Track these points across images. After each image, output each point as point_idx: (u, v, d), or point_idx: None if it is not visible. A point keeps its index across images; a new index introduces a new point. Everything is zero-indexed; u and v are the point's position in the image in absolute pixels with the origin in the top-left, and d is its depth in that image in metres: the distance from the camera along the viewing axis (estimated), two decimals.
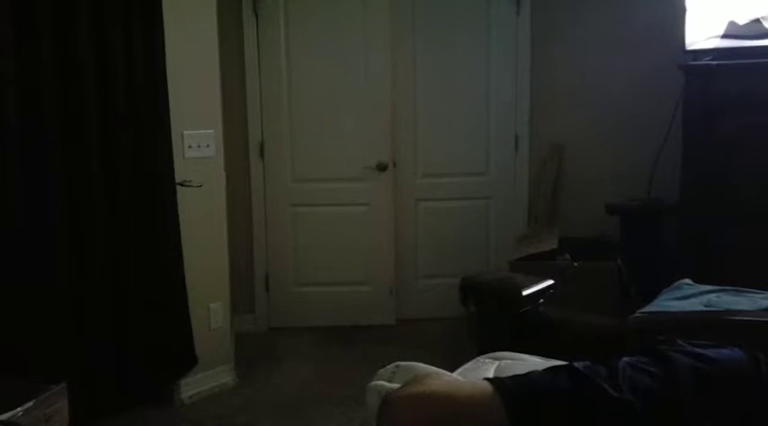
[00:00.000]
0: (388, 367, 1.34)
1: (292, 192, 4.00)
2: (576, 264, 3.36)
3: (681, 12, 3.22)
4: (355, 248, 4.02)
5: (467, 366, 1.59)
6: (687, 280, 2.35)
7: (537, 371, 1.07)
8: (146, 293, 2.80)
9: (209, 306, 3.15)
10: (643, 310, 2.11)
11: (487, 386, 1.02)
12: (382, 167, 3.88)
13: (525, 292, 1.93)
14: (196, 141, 3.01)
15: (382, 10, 3.87)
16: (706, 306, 2.05)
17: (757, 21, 3.12)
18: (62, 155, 2.49)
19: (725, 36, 3.19)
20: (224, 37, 3.30)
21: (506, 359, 1.61)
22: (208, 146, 3.06)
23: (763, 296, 2.06)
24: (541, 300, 1.97)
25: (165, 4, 2.75)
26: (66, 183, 2.51)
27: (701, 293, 2.17)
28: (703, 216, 3.15)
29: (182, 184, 2.92)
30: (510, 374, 1.13)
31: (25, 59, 2.35)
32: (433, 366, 1.31)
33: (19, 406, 1.69)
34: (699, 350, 1.08)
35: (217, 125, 3.10)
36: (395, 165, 4.11)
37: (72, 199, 2.53)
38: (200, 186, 2.99)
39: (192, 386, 3.07)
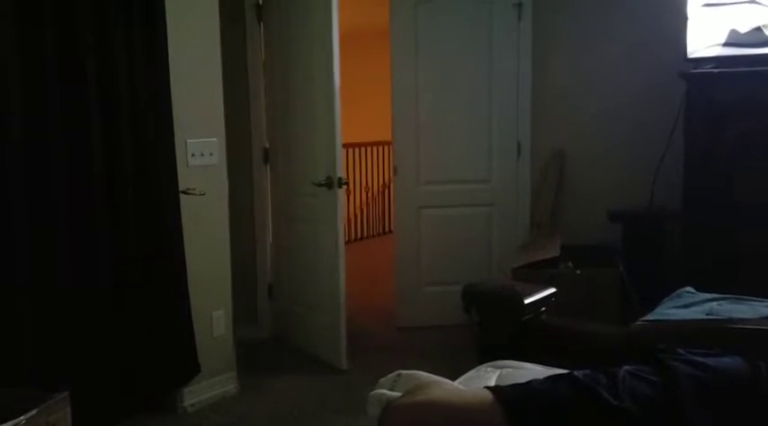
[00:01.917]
0: (389, 375, 1.34)
1: (286, 203, 3.93)
2: (578, 272, 3.36)
3: (682, 20, 3.23)
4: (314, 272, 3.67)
5: (468, 374, 1.59)
6: (689, 288, 2.35)
7: (537, 380, 1.08)
8: (149, 301, 2.80)
9: (212, 313, 3.15)
10: (645, 318, 2.10)
11: (488, 395, 1.03)
12: (329, 184, 3.42)
13: (527, 301, 1.93)
14: (199, 149, 3.02)
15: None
16: (708, 315, 2.05)
17: (758, 29, 3.13)
18: (65, 163, 2.50)
19: (726, 44, 3.20)
20: (227, 44, 3.32)
21: (508, 367, 1.61)
22: (211, 154, 3.07)
23: (765, 304, 2.06)
24: (543, 308, 1.97)
25: (168, 12, 2.77)
26: (69, 192, 2.52)
27: (703, 301, 2.17)
28: (705, 223, 3.15)
29: (185, 192, 2.93)
30: (511, 382, 1.14)
31: (29, 69, 2.37)
32: (435, 374, 1.32)
33: (22, 415, 1.69)
34: (699, 359, 1.09)
35: (220, 133, 3.12)
36: (396, 173, 4.13)
37: (75, 208, 2.54)
38: (204, 194, 3.00)
39: (194, 394, 3.07)
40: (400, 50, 4.02)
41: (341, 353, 3.47)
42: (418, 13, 4.00)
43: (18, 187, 2.36)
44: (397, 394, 1.19)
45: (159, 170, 2.81)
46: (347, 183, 3.59)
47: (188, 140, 2.97)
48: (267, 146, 3.97)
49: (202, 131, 3.05)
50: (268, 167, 3.99)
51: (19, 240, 2.36)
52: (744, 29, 3.16)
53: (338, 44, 3.32)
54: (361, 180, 7.45)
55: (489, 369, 1.62)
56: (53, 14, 2.42)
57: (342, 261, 3.44)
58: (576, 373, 1.07)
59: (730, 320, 1.91)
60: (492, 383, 1.49)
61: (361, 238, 7.44)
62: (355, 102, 9.59)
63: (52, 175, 2.46)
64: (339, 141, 3.42)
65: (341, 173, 3.43)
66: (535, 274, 3.19)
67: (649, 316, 2.15)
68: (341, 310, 3.45)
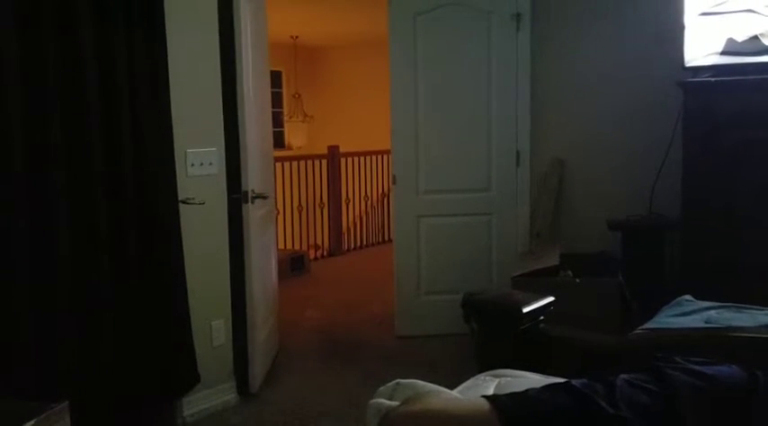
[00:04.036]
0: (388, 384, 1.34)
1: None
2: (577, 280, 3.36)
3: (679, 29, 3.25)
4: None
5: (467, 383, 1.59)
6: (688, 297, 2.35)
7: (535, 389, 1.08)
8: (148, 311, 2.80)
9: (211, 323, 3.15)
10: (644, 327, 2.10)
11: (485, 404, 1.03)
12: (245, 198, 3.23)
13: (526, 309, 1.93)
14: (199, 159, 3.03)
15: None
16: (707, 323, 2.05)
17: (756, 38, 3.14)
18: (65, 171, 2.51)
19: (724, 53, 3.20)
20: (226, 54, 3.33)
21: (506, 376, 1.61)
22: (210, 163, 3.08)
23: (763, 312, 2.06)
24: (542, 317, 1.97)
25: (167, 22, 2.78)
26: (68, 200, 2.53)
27: (702, 309, 2.17)
28: (704, 231, 3.15)
29: (184, 202, 2.94)
30: (509, 391, 1.14)
31: (30, 80, 2.38)
32: (434, 383, 1.32)
33: (20, 425, 1.69)
34: (697, 368, 1.09)
35: (219, 143, 3.13)
36: (395, 182, 4.13)
37: (75, 218, 2.54)
38: (203, 203, 3.01)
39: (194, 405, 3.06)
40: (399, 59, 4.04)
41: (248, 374, 3.29)
42: (417, 22, 4.01)
43: (20, 194, 2.36)
44: (395, 403, 1.19)
45: (159, 179, 2.82)
46: (261, 197, 3.36)
47: (188, 150, 2.98)
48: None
49: (202, 141, 3.06)
50: None
51: (18, 249, 2.37)
52: (741, 37, 3.17)
53: (248, 55, 3.17)
54: (359, 189, 7.47)
55: (488, 378, 1.61)
56: (54, 31, 2.43)
57: (248, 280, 3.27)
58: (573, 382, 1.07)
59: (729, 328, 1.91)
60: (490, 392, 1.49)
61: (360, 247, 7.45)
62: (353, 110, 9.65)
63: (51, 183, 2.46)
64: (247, 152, 3.20)
65: (247, 186, 3.21)
66: (534, 283, 3.19)
67: (648, 325, 2.15)
68: (247, 332, 3.28)
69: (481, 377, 1.60)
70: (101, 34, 2.57)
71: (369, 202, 7.62)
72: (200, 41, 3.04)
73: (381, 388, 1.34)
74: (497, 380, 1.56)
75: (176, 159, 2.88)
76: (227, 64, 3.13)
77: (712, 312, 2.13)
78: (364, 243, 7.53)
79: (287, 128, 10.03)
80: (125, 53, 2.65)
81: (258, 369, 3.34)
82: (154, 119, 2.78)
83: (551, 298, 2.01)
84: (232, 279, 3.24)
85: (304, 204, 6.86)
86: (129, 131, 2.69)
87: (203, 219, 3.05)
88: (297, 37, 9.10)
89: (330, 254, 7.03)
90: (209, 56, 3.07)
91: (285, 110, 10.04)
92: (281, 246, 6.07)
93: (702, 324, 2.05)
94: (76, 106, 2.52)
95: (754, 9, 3.15)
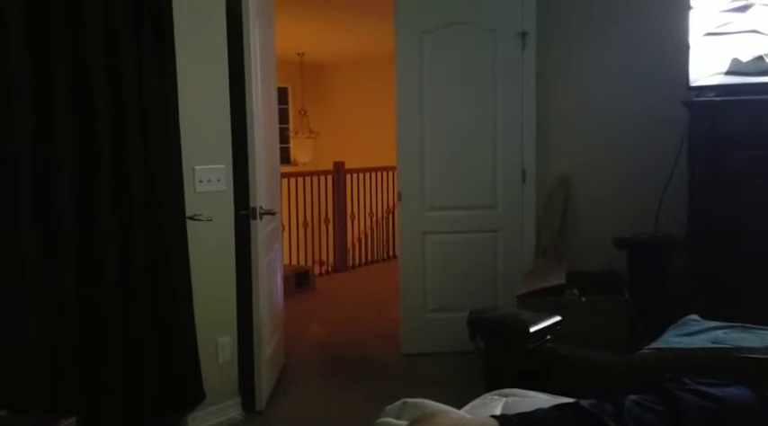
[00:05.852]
0: (395, 403, 1.34)
1: None
2: (583, 299, 3.36)
3: (684, 48, 3.27)
4: None
5: (474, 402, 1.58)
6: (694, 316, 2.34)
7: (543, 409, 1.08)
8: (155, 327, 2.81)
9: (218, 339, 3.15)
10: (650, 346, 2.10)
11: (494, 424, 1.03)
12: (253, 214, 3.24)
13: (533, 329, 1.93)
14: (207, 176, 3.05)
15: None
16: (714, 343, 2.04)
17: (760, 58, 3.16)
18: (74, 190, 2.53)
19: (728, 73, 3.22)
20: (235, 70, 3.36)
21: (514, 395, 1.60)
22: (218, 180, 3.10)
23: None
24: (549, 336, 1.97)
25: (177, 39, 2.82)
26: (78, 217, 2.54)
27: (709, 329, 2.16)
28: (711, 251, 3.15)
29: (192, 218, 2.95)
30: (517, 411, 1.14)
31: (39, 98, 2.40)
32: (441, 402, 1.32)
33: None
34: (705, 389, 1.09)
35: (227, 160, 3.15)
36: (400, 198, 4.14)
37: (82, 234, 2.56)
38: (210, 220, 3.02)
39: (199, 421, 3.06)
40: (405, 77, 4.07)
41: (254, 391, 3.29)
42: (423, 41, 4.05)
43: (26, 213, 2.38)
44: (403, 423, 1.19)
45: (167, 196, 2.83)
46: (269, 213, 3.35)
47: (196, 167, 3.00)
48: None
49: (210, 158, 3.08)
50: None
51: (28, 264, 2.38)
52: (746, 58, 3.19)
53: (257, 72, 3.18)
54: (365, 205, 7.48)
55: (495, 397, 1.61)
56: (63, 48, 2.46)
57: (255, 296, 3.25)
58: (581, 402, 1.08)
59: (737, 349, 1.90)
60: (498, 411, 1.48)
61: (365, 263, 7.45)
62: (359, 126, 9.69)
63: (60, 199, 2.48)
64: (256, 169, 3.19)
65: (255, 203, 3.20)
66: (541, 301, 3.19)
67: (655, 344, 2.14)
68: (253, 349, 3.28)
69: (489, 396, 1.59)
70: (110, 50, 2.60)
71: (374, 218, 7.63)
72: (210, 58, 3.07)
73: (388, 407, 1.34)
74: (505, 399, 1.56)
75: (184, 175, 2.90)
76: (236, 80, 3.15)
77: (719, 332, 2.12)
78: (369, 259, 7.53)
79: (293, 144, 10.08)
80: (134, 70, 2.68)
81: (264, 386, 3.33)
82: (162, 136, 2.80)
83: (558, 318, 2.01)
84: (238, 295, 3.24)
85: (309, 220, 6.88)
86: (137, 148, 2.71)
87: (211, 236, 3.06)
88: (303, 54, 9.17)
89: (335, 270, 7.04)
90: (218, 73, 3.10)
91: (291, 126, 10.08)
92: (287, 262, 6.08)
93: (709, 345, 2.04)
94: (85, 122, 2.55)
95: (759, 30, 3.17)
